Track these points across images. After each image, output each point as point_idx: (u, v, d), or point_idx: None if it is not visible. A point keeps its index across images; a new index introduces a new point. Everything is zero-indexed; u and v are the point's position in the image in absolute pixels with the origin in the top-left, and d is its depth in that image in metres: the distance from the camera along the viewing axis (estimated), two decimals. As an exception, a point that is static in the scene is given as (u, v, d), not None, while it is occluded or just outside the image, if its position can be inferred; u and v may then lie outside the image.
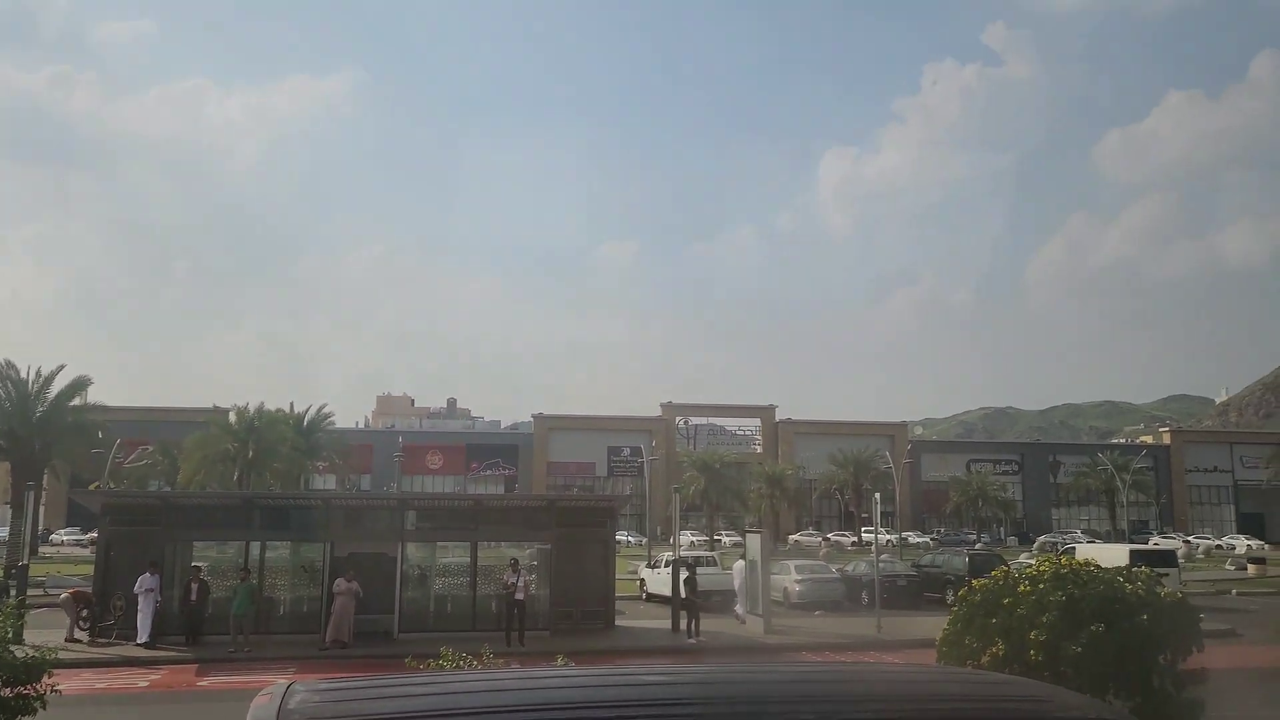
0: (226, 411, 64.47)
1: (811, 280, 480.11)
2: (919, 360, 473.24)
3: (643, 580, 37.23)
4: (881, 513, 31.92)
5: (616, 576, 28.45)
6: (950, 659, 10.50)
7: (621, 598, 29.46)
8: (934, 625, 12.50)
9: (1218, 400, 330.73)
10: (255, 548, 25.43)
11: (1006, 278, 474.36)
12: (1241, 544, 73.37)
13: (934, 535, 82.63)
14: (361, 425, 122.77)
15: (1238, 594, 39.33)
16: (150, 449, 71.41)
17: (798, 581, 33.36)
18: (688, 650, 23.54)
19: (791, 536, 79.79)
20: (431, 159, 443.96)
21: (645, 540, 67.45)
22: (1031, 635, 9.64)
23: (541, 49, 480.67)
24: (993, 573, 11.11)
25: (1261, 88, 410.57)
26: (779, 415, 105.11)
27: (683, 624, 25.61)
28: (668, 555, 34.89)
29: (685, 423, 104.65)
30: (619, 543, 44.33)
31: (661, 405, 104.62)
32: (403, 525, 26.49)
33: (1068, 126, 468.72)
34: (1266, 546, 73.74)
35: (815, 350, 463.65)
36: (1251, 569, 50.57)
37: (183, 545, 25.51)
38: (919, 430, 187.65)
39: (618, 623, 26.84)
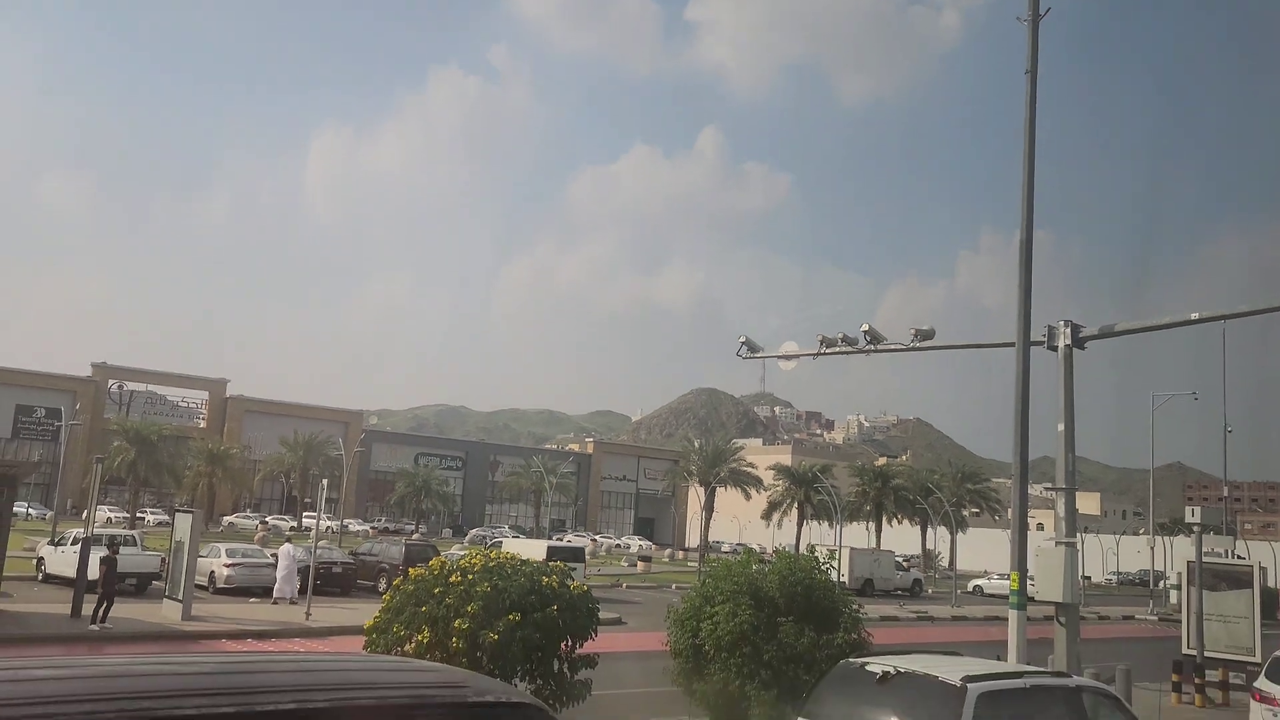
0: None
1: (288, 256, 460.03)
2: (385, 351, 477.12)
3: (41, 559, 32.75)
4: (327, 499, 31.78)
5: (8, 554, 24.78)
6: (377, 647, 10.94)
7: (11, 578, 25.81)
8: (366, 613, 12.87)
9: (634, 418, 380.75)
10: None
11: (481, 284, 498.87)
12: (635, 544, 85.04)
13: (374, 524, 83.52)
14: None
15: (627, 587, 45.53)
16: None
17: (228, 565, 31.74)
18: (87, 639, 21.23)
19: (227, 518, 75.34)
20: None
21: (52, 515, 58.98)
22: (456, 624, 10.45)
23: None
24: (429, 563, 11.80)
25: (702, 158, 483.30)
26: (230, 391, 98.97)
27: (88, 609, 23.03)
28: (77, 532, 31.25)
29: (120, 387, 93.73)
30: (17, 515, 38.57)
31: (94, 365, 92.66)
32: None
33: (554, 157, 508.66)
34: (654, 547, 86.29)
35: (283, 328, 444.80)
36: (640, 566, 58.82)
37: None
38: (374, 420, 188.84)
39: (3, 607, 23.40)
